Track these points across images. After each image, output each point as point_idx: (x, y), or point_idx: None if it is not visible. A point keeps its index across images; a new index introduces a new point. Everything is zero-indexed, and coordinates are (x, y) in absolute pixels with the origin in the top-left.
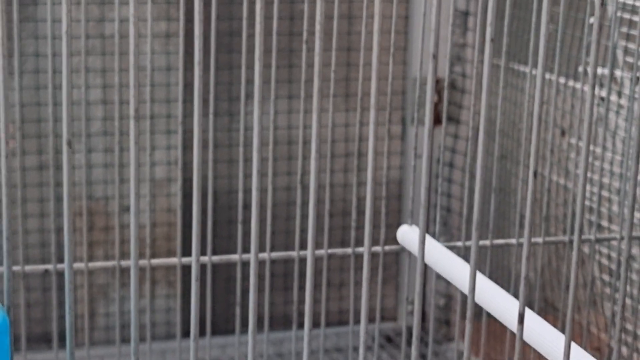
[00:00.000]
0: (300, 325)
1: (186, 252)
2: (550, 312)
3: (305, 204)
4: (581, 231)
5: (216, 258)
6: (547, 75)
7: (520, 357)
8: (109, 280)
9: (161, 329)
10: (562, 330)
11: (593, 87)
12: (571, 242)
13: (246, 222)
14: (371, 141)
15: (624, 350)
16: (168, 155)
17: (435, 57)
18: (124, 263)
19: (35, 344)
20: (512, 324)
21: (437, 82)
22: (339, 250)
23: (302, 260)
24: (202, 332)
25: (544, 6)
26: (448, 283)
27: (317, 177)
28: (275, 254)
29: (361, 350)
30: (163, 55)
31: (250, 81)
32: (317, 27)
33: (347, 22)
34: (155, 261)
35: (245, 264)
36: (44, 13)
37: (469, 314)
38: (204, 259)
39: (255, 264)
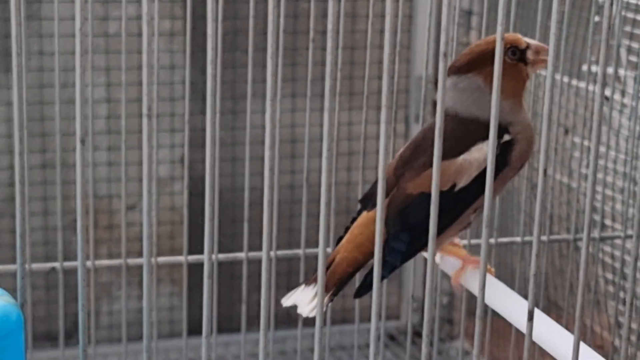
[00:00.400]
0: (304, 324)
1: (190, 250)
2: (553, 311)
3: (309, 202)
4: (590, 230)
5: (222, 256)
6: None
7: (529, 354)
8: (112, 278)
9: (164, 327)
10: (566, 329)
11: (603, 86)
12: (575, 240)
13: (251, 220)
14: (382, 140)
15: (629, 348)
16: (171, 153)
17: (446, 55)
18: (130, 261)
19: (39, 342)
20: (517, 322)
21: None
22: None
23: (307, 258)
24: None
25: (554, 5)
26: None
27: (329, 176)
28: (281, 252)
29: (372, 348)
30: (167, 54)
31: (255, 80)
32: (330, 26)
33: (350, 20)
34: (161, 259)
35: (251, 262)
36: (47, 11)
37: (478, 311)
38: None
39: (267, 262)
